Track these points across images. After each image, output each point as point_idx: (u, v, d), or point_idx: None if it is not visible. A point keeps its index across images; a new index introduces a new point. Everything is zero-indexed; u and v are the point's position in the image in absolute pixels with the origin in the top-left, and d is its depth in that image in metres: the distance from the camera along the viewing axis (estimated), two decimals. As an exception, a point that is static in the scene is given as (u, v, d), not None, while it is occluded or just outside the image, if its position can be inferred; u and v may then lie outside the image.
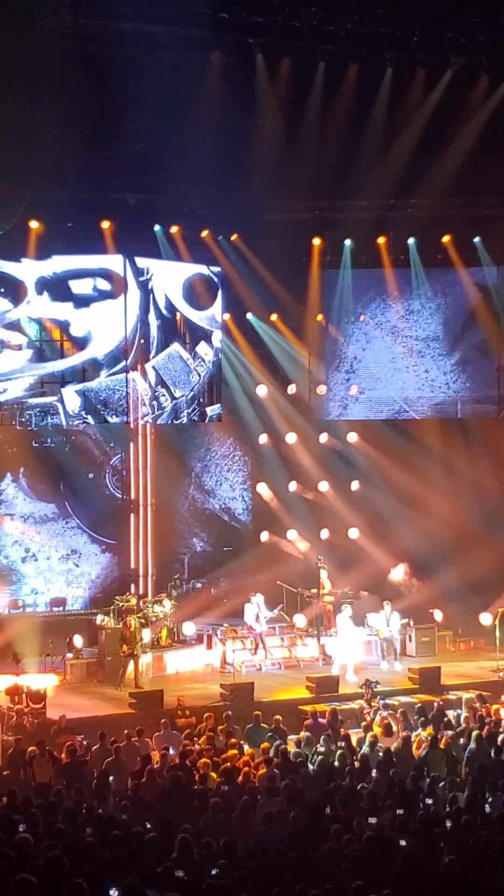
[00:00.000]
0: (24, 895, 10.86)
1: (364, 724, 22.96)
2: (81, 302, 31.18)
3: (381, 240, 34.30)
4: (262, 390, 35.67)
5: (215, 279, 33.31)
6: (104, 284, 31.38)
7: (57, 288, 30.96)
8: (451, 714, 23.63)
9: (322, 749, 20.69)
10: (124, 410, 31.85)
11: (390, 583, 33.55)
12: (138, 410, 32.38)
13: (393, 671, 28.65)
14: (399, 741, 20.95)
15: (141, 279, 31.96)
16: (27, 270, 30.69)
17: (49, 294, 30.87)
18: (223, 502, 36.62)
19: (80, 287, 31.11)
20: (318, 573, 31.32)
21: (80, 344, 31.33)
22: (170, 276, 32.51)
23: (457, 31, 29.91)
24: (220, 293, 33.33)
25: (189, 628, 30.83)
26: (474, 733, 20.92)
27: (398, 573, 33.73)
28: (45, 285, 30.78)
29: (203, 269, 33.21)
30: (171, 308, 32.75)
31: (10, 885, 10.97)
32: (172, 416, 33.16)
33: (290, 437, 35.83)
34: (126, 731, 21.47)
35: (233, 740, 21.10)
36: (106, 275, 31.35)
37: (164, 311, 32.57)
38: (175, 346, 32.90)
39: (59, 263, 30.88)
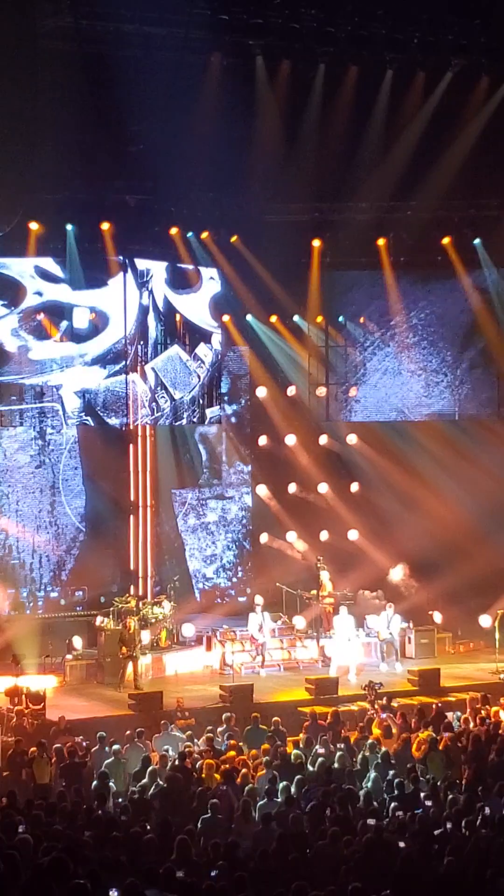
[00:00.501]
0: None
1: (361, 725, 22.92)
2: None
3: (381, 241, 34.28)
4: (261, 392, 35.66)
5: (215, 280, 33.33)
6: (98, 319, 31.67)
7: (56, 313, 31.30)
8: (450, 716, 23.61)
9: (322, 751, 20.67)
10: (124, 412, 31.87)
11: (389, 583, 33.56)
12: (138, 412, 32.40)
13: (393, 672, 28.62)
14: (398, 743, 20.95)
15: (140, 281, 31.97)
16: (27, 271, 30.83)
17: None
18: (222, 504, 36.55)
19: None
20: (317, 574, 31.33)
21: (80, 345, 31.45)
22: (169, 278, 32.54)
23: (456, 34, 29.94)
24: (220, 294, 33.32)
25: (188, 630, 30.82)
26: (472, 734, 20.92)
27: (397, 573, 33.74)
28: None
29: (203, 270, 33.22)
30: (171, 310, 32.75)
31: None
32: (172, 417, 33.16)
33: (290, 439, 35.82)
34: (127, 733, 21.48)
35: (232, 742, 21.10)
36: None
37: (164, 313, 32.59)
38: (174, 348, 32.93)
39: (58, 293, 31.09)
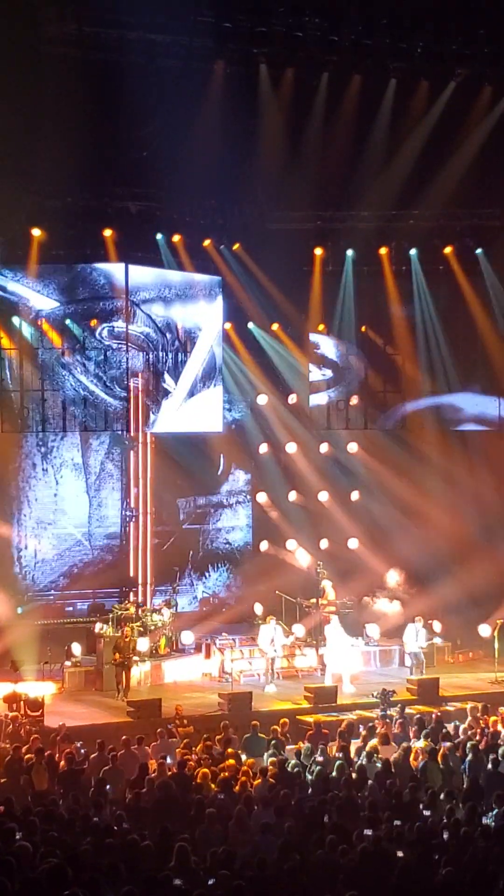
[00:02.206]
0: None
1: (363, 734, 22.90)
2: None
3: (382, 250, 34.26)
4: (262, 399, 35.64)
5: (217, 288, 33.29)
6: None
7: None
8: (449, 726, 23.58)
9: (320, 759, 20.64)
10: (125, 418, 31.81)
11: (385, 589, 33.49)
12: (139, 419, 32.36)
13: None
14: (398, 752, 20.91)
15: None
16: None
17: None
18: (222, 512, 36.49)
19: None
20: (318, 582, 31.37)
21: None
22: (171, 285, 32.49)
23: (460, 43, 29.91)
24: (221, 302, 33.29)
25: (187, 637, 30.82)
26: (470, 744, 20.90)
27: (392, 578, 33.64)
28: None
29: (205, 278, 33.19)
30: (173, 317, 32.70)
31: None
32: (173, 424, 33.05)
33: (291, 447, 35.80)
34: (125, 739, 21.46)
35: (230, 750, 21.06)
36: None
37: (165, 319, 32.53)
38: (176, 355, 32.83)
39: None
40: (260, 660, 29.37)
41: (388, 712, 24.43)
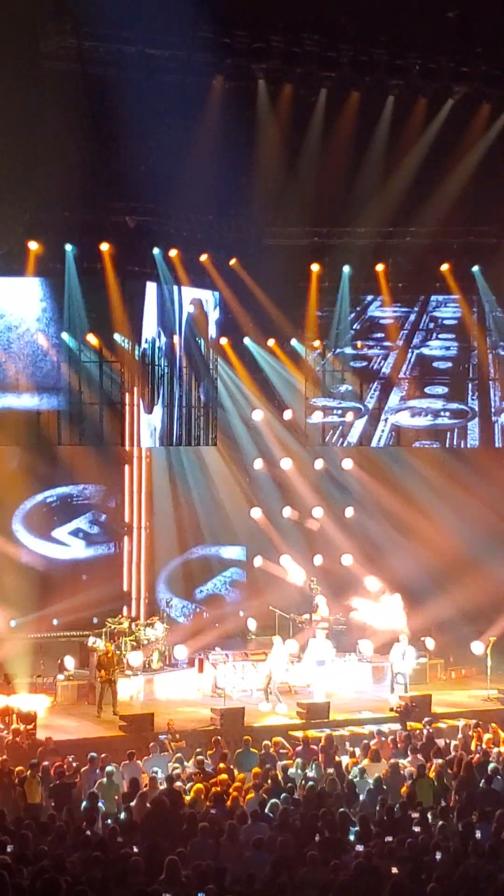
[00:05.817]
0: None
1: (351, 750, 22.90)
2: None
3: (379, 267, 34.30)
4: (258, 415, 35.62)
5: (213, 303, 33.32)
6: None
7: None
8: (440, 742, 23.56)
9: (312, 774, 20.62)
10: (119, 432, 31.78)
11: (365, 593, 33.37)
12: (133, 433, 32.33)
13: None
14: (389, 768, 20.88)
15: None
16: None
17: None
18: (217, 525, 36.41)
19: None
20: (312, 597, 31.32)
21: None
22: (168, 300, 32.52)
23: (458, 61, 30.06)
24: (217, 317, 33.31)
25: (181, 652, 30.76)
26: (464, 762, 20.87)
27: (372, 584, 33.48)
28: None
29: (201, 293, 33.21)
30: (169, 331, 32.72)
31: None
32: (168, 439, 33.05)
33: (286, 463, 35.79)
34: (128, 754, 21.46)
35: (222, 765, 21.02)
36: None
37: (162, 334, 32.55)
38: (172, 369, 32.83)
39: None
40: (254, 675, 29.31)
41: (413, 726, 24.48)
